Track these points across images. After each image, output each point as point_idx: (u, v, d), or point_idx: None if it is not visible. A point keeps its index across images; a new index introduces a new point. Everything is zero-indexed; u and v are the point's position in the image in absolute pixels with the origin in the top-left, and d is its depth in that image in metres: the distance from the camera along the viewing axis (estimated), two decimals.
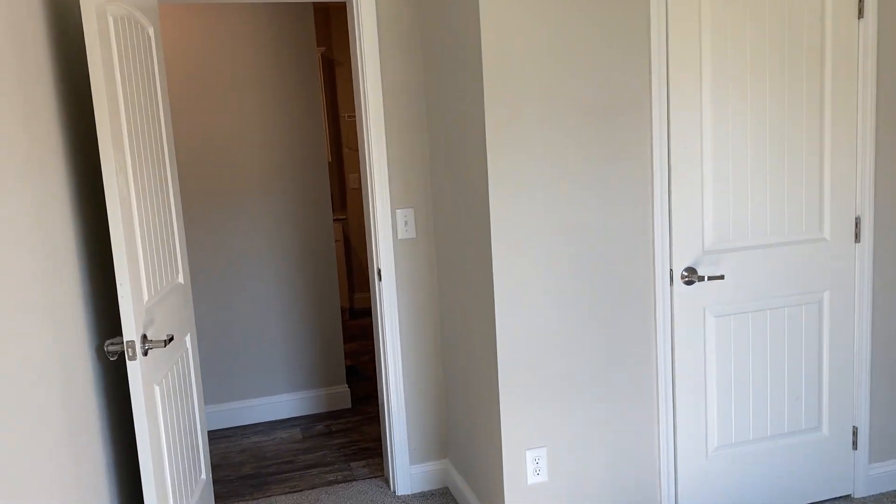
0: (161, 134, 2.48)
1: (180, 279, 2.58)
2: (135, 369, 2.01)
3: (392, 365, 2.96)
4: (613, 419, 2.48)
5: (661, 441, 2.53)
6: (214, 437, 3.82)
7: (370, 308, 6.58)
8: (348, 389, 4.12)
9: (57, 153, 1.96)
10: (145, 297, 2.12)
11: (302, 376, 4.03)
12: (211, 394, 3.90)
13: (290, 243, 3.93)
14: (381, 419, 3.13)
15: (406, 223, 2.93)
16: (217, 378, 3.90)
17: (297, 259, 3.96)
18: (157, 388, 2.16)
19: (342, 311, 6.15)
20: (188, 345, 2.61)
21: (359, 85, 2.86)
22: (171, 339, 2.14)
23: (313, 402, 4.06)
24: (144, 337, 2.06)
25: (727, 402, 2.59)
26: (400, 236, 2.92)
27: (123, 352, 2.03)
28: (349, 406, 4.12)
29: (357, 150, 6.38)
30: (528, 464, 2.40)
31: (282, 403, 4.00)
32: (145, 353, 2.05)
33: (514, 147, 2.26)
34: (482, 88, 2.23)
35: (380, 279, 2.93)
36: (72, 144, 2.09)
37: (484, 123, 2.24)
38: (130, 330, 2.00)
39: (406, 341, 2.97)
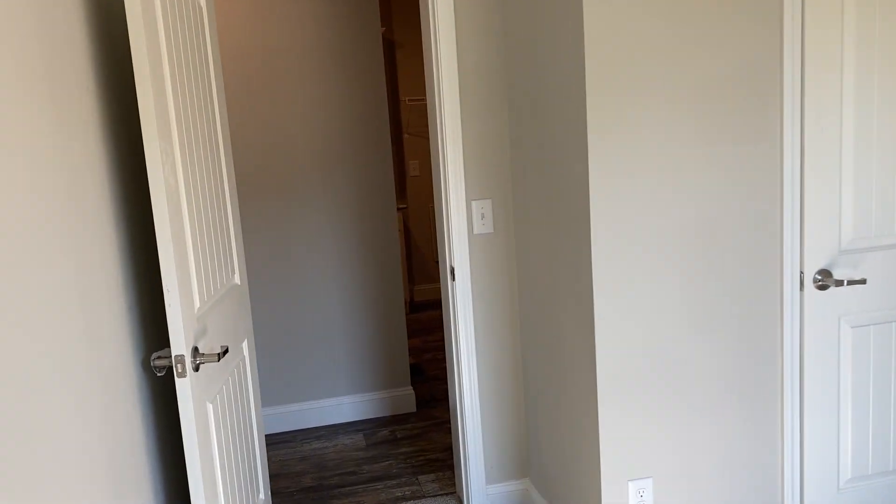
0: (215, 119, 2.21)
1: (237, 280, 2.32)
2: (184, 387, 1.76)
3: (466, 373, 2.66)
4: (731, 447, 2.12)
5: (784, 472, 2.17)
6: (274, 441, 3.59)
7: (431, 301, 6.31)
8: (413, 392, 3.85)
9: (93, 136, 1.71)
10: (196, 304, 1.86)
11: (365, 377, 3.77)
12: (270, 395, 3.68)
13: (351, 236, 3.67)
14: (453, 433, 2.84)
15: (483, 216, 2.62)
16: (276, 379, 3.67)
17: (359, 253, 3.69)
18: (209, 406, 1.91)
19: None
20: (245, 352, 2.36)
21: (432, 66, 2.55)
22: (226, 351, 1.88)
23: (377, 404, 3.80)
24: (195, 350, 1.80)
25: (864, 428, 2.20)
26: (476, 231, 2.61)
27: (172, 367, 1.77)
28: (414, 410, 3.84)
29: (417, 135, 6.09)
30: (630, 497, 2.07)
31: (344, 406, 3.75)
32: (196, 369, 1.79)
33: (618, 128, 1.92)
34: (582, 60, 1.89)
35: (453, 278, 2.63)
36: (111, 128, 1.84)
37: (584, 101, 1.90)
38: (179, 343, 1.74)
39: (482, 347, 2.67)
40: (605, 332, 1.99)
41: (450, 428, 3.60)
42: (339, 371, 3.73)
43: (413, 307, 6.14)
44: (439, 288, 6.36)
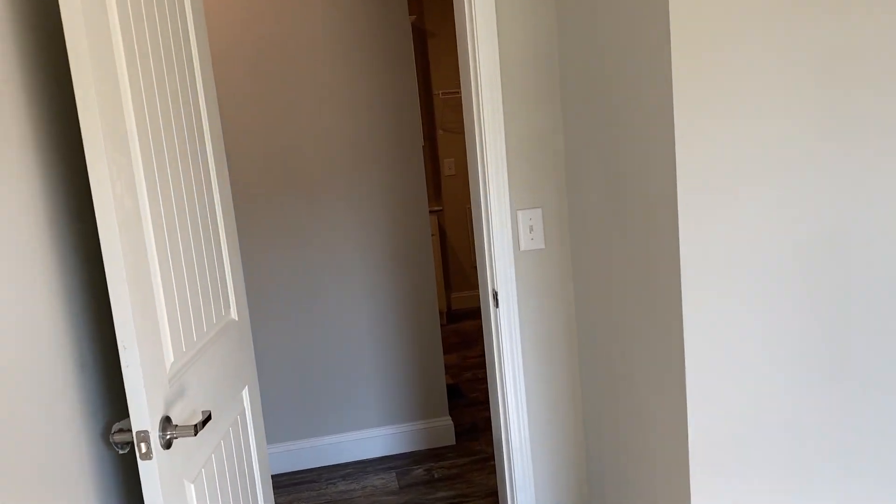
0: (202, 122, 1.80)
1: (233, 315, 1.91)
2: (150, 471, 1.34)
3: (515, 416, 2.20)
4: None
5: None
6: (296, 482, 3.19)
7: (470, 310, 5.84)
8: (451, 423, 3.41)
9: (21, 145, 1.30)
10: (169, 360, 1.45)
11: (397, 407, 3.35)
12: (291, 429, 3.28)
13: (379, 245, 3.24)
14: (500, 488, 2.39)
15: (531, 229, 2.16)
16: (298, 410, 3.27)
17: (388, 263, 3.26)
18: (190, 488, 1.49)
19: (439, 315, 5.45)
20: (246, 402, 1.95)
21: (468, 55, 2.10)
22: (208, 418, 1.46)
23: (410, 437, 3.37)
24: (167, 421, 1.39)
25: None
26: (523, 247, 2.16)
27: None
28: (453, 442, 3.41)
29: (453, 132, 5.64)
30: None
31: (374, 440, 3.34)
32: (167, 445, 1.38)
33: (716, 118, 1.44)
34: (667, 23, 1.42)
35: (496, 304, 2.18)
36: (53, 134, 1.43)
37: (670, 83, 1.43)
38: (142, 416, 1.32)
39: (532, 389, 2.21)
40: (698, 385, 1.52)
41: (494, 466, 3.16)
42: (368, 400, 3.32)
43: (451, 317, 5.71)
44: (478, 295, 5.92)
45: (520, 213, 2.15)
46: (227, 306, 1.87)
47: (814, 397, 1.56)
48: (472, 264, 5.89)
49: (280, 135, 3.11)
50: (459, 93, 5.60)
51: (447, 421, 3.40)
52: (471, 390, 4.09)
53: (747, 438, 1.55)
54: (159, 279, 1.43)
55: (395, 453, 3.35)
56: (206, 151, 1.81)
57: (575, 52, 1.96)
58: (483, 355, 4.69)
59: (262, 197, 3.13)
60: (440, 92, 5.59)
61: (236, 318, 1.92)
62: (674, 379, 1.57)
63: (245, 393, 1.95)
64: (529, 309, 2.19)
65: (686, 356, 1.51)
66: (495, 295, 2.18)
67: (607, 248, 1.88)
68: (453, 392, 4.07)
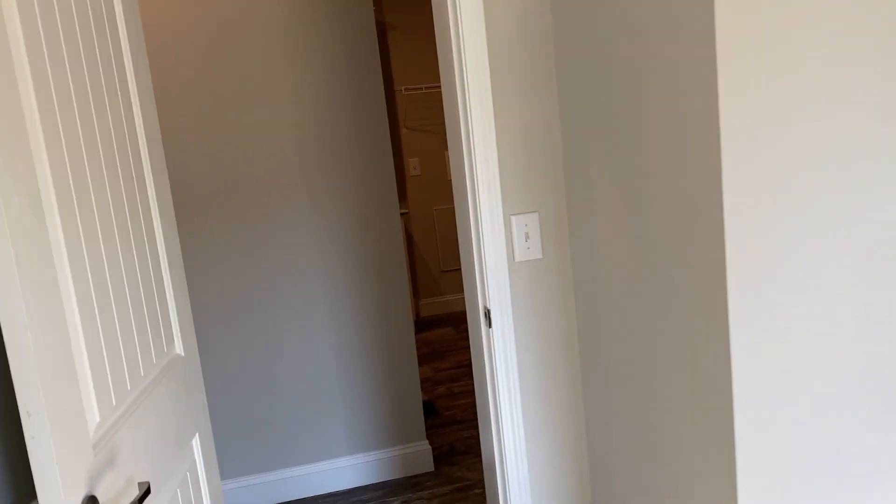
0: (135, 129, 1.48)
1: (178, 350, 1.59)
2: None
3: (513, 456, 1.92)
4: None
5: None
6: None
7: (440, 317, 5.54)
8: (429, 447, 3.12)
9: None
10: (94, 421, 1.13)
11: (368, 432, 3.05)
12: (250, 462, 2.95)
13: (345, 255, 2.94)
14: None
15: (527, 237, 1.88)
16: (258, 441, 2.94)
17: (355, 275, 2.95)
18: None
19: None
20: (196, 452, 1.63)
21: (450, 39, 1.81)
22: (147, 492, 1.14)
23: (384, 465, 3.07)
24: (91, 501, 1.07)
25: None
26: (518, 257, 1.88)
27: None
28: (431, 468, 3.12)
29: (417, 129, 5.35)
30: None
31: (344, 470, 3.03)
32: None
33: (775, 102, 1.18)
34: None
35: (488, 324, 1.90)
36: None
37: (714, 60, 1.16)
38: (55, 498, 1.01)
39: (531, 421, 1.94)
40: (749, 437, 1.26)
41: (478, 494, 2.88)
42: (336, 426, 3.00)
43: (420, 325, 5.42)
44: (448, 301, 5.64)
45: (514, 219, 1.87)
46: (171, 340, 1.55)
47: (878, 425, 1.31)
48: (440, 269, 5.61)
49: (229, 140, 2.78)
50: (423, 88, 5.31)
51: (424, 445, 3.11)
52: (446, 407, 3.80)
53: (804, 467, 1.30)
54: (78, 318, 1.11)
55: (368, 483, 3.05)
56: (140, 157, 1.49)
57: (576, 32, 1.69)
58: (457, 367, 4.41)
59: (210, 207, 2.79)
60: (402, 88, 5.29)
61: (182, 353, 1.60)
62: (716, 408, 1.30)
63: (195, 442, 1.63)
64: (527, 328, 1.91)
65: (734, 385, 1.25)
66: (487, 313, 1.90)
67: (622, 256, 1.61)
68: (427, 409, 3.78)
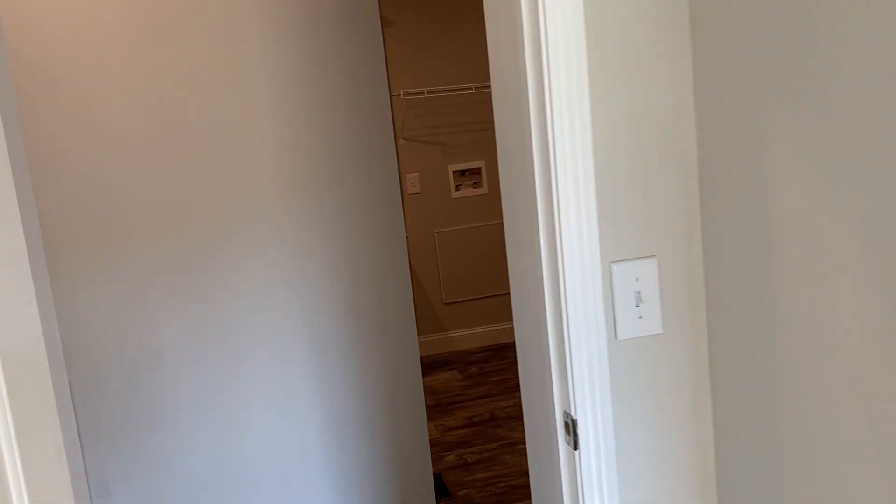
0: None
1: None
2: None
3: None
4: None
5: None
6: None
7: (442, 358, 4.61)
8: None
9: None
10: None
11: None
12: None
13: (338, 294, 2.19)
14: None
15: (639, 298, 1.14)
16: None
17: (351, 319, 2.20)
18: None
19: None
20: None
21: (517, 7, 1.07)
22: None
23: None
24: None
25: None
26: (623, 333, 1.13)
27: None
28: None
29: (417, 140, 4.62)
30: None
31: None
32: None
33: None
34: None
35: (573, 444, 1.14)
36: None
37: None
38: None
39: None
40: None
41: None
42: None
43: None
44: (452, 338, 4.88)
45: (616, 269, 1.12)
46: None
47: None
48: (442, 301, 4.85)
49: (190, 150, 2.04)
50: (424, 93, 4.58)
51: None
52: (459, 483, 3.03)
53: None
54: None
55: None
56: None
57: None
58: (468, 425, 3.65)
59: (153, 245, 2.04)
60: (402, 92, 4.56)
61: None
62: None
63: None
64: (633, 451, 1.16)
65: None
66: (570, 425, 1.14)
67: (832, 330, 0.87)
68: (437, 487, 3.01)
